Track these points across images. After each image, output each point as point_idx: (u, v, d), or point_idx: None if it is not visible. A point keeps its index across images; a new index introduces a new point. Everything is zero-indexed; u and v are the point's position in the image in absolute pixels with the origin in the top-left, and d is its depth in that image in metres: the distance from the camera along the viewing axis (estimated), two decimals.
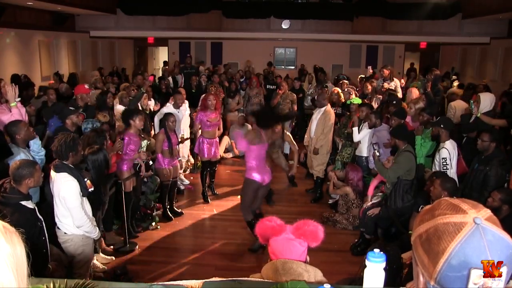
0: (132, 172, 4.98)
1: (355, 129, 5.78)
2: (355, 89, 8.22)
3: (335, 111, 7.47)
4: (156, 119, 6.69)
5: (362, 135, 5.76)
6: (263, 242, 1.95)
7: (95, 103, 5.96)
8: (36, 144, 4.16)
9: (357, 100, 6.47)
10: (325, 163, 6.37)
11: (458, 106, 6.93)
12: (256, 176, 4.69)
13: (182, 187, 6.67)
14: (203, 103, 6.43)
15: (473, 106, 5.34)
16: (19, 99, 4.57)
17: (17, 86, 4.55)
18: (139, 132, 5.08)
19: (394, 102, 6.18)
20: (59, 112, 4.77)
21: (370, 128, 5.61)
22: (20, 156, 3.85)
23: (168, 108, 6.36)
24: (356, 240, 4.90)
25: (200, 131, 6.43)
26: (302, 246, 1.86)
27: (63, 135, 3.45)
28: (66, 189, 3.29)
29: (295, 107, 8.23)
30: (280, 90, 8.09)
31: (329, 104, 6.39)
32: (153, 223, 5.41)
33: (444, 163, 4.52)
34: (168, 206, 5.72)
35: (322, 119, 6.17)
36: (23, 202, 3.05)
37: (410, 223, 4.17)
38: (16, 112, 4.40)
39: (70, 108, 4.73)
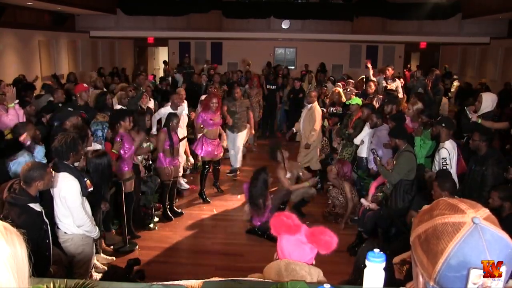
0: (132, 173, 4.98)
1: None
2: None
3: (336, 111, 7.48)
4: (154, 120, 6.69)
5: (361, 136, 5.77)
6: (274, 233, 1.91)
7: (94, 104, 5.98)
8: (41, 152, 4.16)
9: (357, 100, 6.47)
10: (317, 155, 6.79)
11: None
12: None
13: (182, 187, 6.67)
14: (206, 104, 6.40)
15: (468, 112, 5.33)
16: (17, 101, 4.60)
17: (14, 88, 4.60)
18: (129, 132, 5.09)
19: (386, 100, 6.22)
20: (59, 114, 4.78)
21: (371, 128, 5.61)
22: (24, 156, 3.86)
23: (166, 109, 6.35)
24: (353, 241, 4.90)
25: (202, 131, 6.42)
26: (312, 252, 1.84)
27: (63, 135, 3.45)
28: (67, 189, 3.30)
29: (251, 114, 7.52)
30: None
31: (316, 102, 6.83)
32: (151, 225, 5.39)
33: (444, 163, 4.52)
34: (168, 206, 5.73)
35: (308, 115, 6.57)
36: (31, 205, 3.04)
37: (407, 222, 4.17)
38: (12, 113, 4.43)
39: (69, 109, 4.74)
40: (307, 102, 6.86)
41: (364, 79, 8.97)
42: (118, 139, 4.83)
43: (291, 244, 1.85)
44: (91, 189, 3.54)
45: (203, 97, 7.67)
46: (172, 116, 5.62)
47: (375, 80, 8.15)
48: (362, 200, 5.08)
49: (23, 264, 0.98)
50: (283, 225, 1.86)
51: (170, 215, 5.65)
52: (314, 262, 1.91)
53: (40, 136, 4.37)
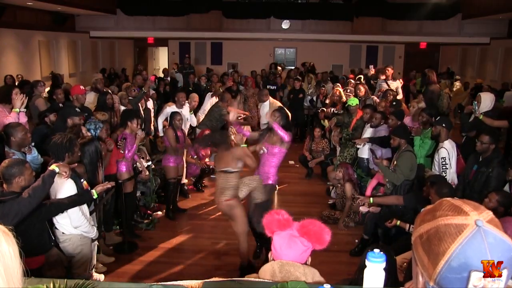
0: (132, 173, 4.98)
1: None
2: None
3: (336, 111, 7.46)
4: (160, 120, 6.68)
5: (365, 140, 5.76)
6: (268, 234, 1.94)
7: (94, 104, 5.99)
8: (34, 156, 4.12)
9: (354, 101, 6.45)
10: None
11: None
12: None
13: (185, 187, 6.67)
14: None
15: (476, 107, 5.32)
16: (24, 110, 4.60)
17: (27, 98, 4.61)
18: (135, 134, 5.08)
19: (394, 103, 6.20)
20: (64, 110, 4.81)
21: (373, 127, 5.61)
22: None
23: (172, 108, 6.36)
24: (356, 240, 4.90)
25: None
26: (304, 245, 1.84)
27: (60, 135, 3.43)
28: (63, 190, 3.28)
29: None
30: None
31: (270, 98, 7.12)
32: (150, 225, 5.38)
33: (444, 163, 4.53)
34: (171, 205, 5.73)
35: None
36: None
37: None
38: (14, 116, 4.42)
39: (76, 109, 4.77)
40: (261, 101, 7.03)
41: (355, 82, 8.92)
42: (121, 139, 4.82)
43: (282, 238, 1.86)
44: (89, 189, 3.53)
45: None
46: (174, 114, 5.63)
47: (363, 85, 8.12)
48: (361, 208, 5.06)
49: (12, 263, 0.95)
50: (274, 221, 1.90)
51: (171, 215, 5.64)
52: (309, 262, 1.90)
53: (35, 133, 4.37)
